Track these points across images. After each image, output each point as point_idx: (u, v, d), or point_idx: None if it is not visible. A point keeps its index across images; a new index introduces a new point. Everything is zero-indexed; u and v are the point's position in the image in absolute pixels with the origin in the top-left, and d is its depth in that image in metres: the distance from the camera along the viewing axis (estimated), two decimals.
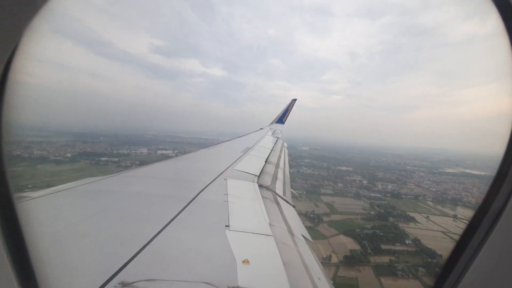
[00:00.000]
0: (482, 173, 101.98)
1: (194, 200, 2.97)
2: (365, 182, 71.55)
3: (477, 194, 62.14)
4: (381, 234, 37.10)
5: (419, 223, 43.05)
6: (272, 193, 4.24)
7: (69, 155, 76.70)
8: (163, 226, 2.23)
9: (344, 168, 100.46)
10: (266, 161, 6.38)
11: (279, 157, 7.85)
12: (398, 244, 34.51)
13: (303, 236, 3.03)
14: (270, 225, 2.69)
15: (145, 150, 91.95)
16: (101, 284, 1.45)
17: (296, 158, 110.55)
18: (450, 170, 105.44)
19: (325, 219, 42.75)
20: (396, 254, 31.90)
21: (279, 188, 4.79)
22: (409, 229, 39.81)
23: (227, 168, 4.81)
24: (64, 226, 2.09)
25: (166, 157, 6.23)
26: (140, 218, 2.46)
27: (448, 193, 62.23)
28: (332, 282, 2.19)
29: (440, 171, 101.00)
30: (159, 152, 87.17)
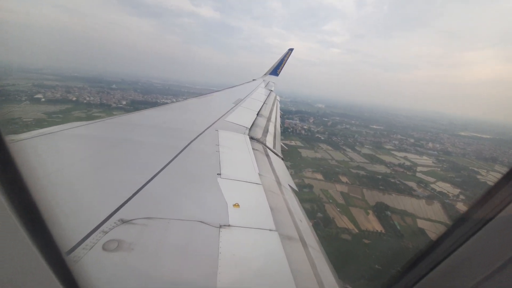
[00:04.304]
0: (489, 136, 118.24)
1: (186, 149, 3.05)
2: (411, 140, 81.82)
3: (501, 153, 74.81)
4: (469, 181, 47.93)
5: (484, 175, 54.64)
6: (262, 146, 4.34)
7: (124, 102, 76.19)
8: (157, 171, 2.32)
9: (375, 126, 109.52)
10: (257, 114, 6.42)
11: (271, 110, 7.85)
12: None
13: (289, 186, 3.23)
14: (259, 175, 2.84)
15: None
16: (101, 220, 1.56)
17: (323, 116, 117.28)
18: (463, 133, 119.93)
19: (416, 170, 52.51)
20: None
21: (269, 141, 4.87)
22: (482, 179, 51.03)
23: (218, 119, 4.87)
24: (59, 167, 2.12)
25: None
26: (134, 164, 2.51)
27: (482, 153, 74.70)
28: (311, 224, 2.46)
29: (455, 134, 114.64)
30: None
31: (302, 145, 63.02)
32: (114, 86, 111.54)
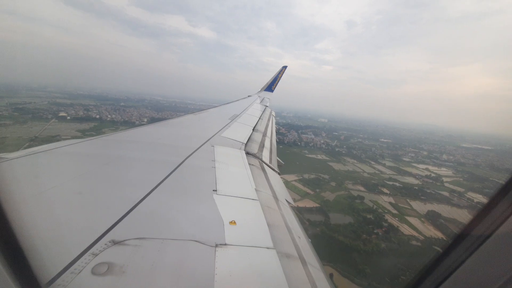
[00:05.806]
0: (490, 147, 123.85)
1: (181, 165, 3.00)
2: (425, 152, 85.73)
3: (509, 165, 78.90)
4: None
5: None
6: (258, 161, 4.34)
7: (145, 119, 78.49)
8: (151, 189, 2.28)
9: (384, 140, 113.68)
10: (253, 129, 6.49)
11: (267, 125, 7.95)
12: None
13: (286, 200, 3.21)
14: (256, 190, 2.82)
15: None
16: (91, 242, 1.47)
17: (332, 130, 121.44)
18: (465, 145, 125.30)
19: (443, 180, 55.29)
20: None
21: (265, 156, 4.91)
22: None
23: (214, 135, 4.89)
24: (49, 187, 2.04)
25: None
26: (127, 181, 2.45)
27: (494, 164, 78.65)
28: (310, 240, 2.42)
29: (459, 146, 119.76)
30: None
31: (328, 158, 65.51)
32: (122, 104, 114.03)
